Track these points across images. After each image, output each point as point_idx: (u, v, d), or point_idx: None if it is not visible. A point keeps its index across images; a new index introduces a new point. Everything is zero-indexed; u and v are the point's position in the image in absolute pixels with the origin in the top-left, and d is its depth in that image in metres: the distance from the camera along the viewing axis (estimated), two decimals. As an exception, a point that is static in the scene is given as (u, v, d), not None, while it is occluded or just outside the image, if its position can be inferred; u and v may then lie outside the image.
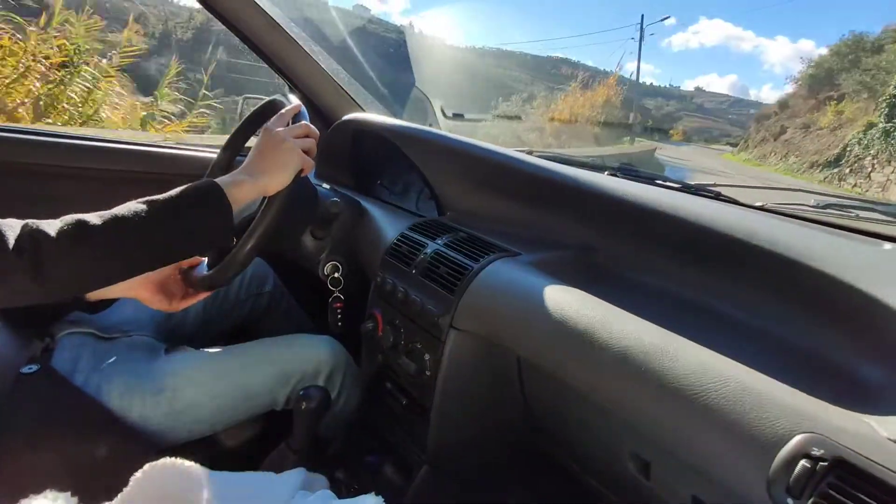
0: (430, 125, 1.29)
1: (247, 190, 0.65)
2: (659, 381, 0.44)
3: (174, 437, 0.74)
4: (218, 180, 0.63)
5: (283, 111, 0.73)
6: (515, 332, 0.62)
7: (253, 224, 0.73)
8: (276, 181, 0.67)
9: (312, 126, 0.72)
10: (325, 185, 1.06)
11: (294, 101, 0.77)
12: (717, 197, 0.77)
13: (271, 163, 0.67)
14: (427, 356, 0.71)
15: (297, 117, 0.72)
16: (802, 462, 0.34)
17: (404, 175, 1.13)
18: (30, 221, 0.54)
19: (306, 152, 0.69)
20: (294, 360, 0.84)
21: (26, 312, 0.76)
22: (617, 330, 0.50)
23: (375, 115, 1.15)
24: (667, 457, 0.49)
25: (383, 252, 0.83)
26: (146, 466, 0.56)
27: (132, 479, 0.55)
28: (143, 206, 0.58)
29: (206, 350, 0.82)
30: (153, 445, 0.72)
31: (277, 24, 1.09)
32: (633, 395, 0.47)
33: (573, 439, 0.69)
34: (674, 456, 0.45)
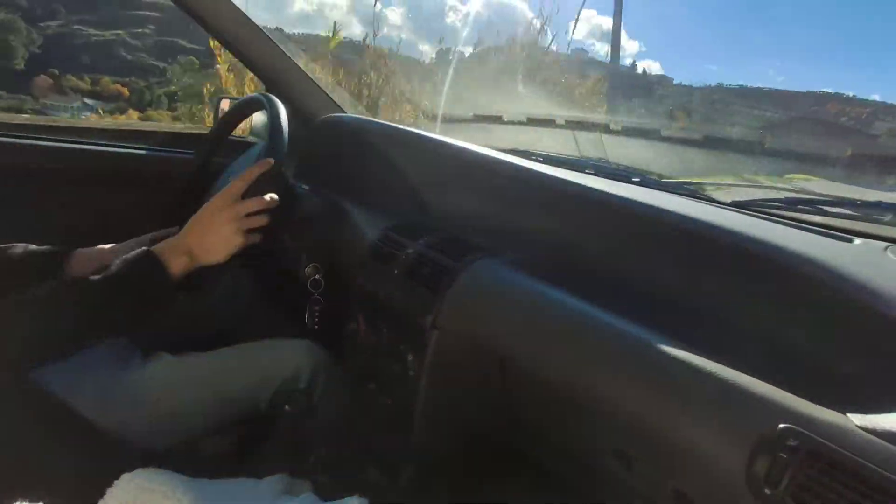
0: (413, 125, 1.29)
1: (181, 265, 0.64)
2: (640, 377, 0.45)
3: (153, 445, 0.72)
4: (156, 251, 0.63)
5: (248, 170, 0.68)
6: (498, 331, 0.62)
7: None
8: (212, 258, 0.65)
9: (272, 196, 0.68)
10: (305, 186, 1.05)
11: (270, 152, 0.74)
12: (694, 194, 0.79)
13: (210, 239, 0.65)
14: (410, 357, 0.71)
15: (261, 179, 0.68)
16: (779, 453, 0.35)
17: (385, 175, 1.12)
18: None
19: (256, 228, 0.67)
20: (273, 365, 0.82)
21: None
22: (598, 327, 0.51)
23: (355, 115, 1.14)
24: (649, 451, 0.50)
25: (365, 253, 0.82)
26: (122, 477, 0.55)
27: (107, 491, 0.54)
28: (86, 288, 0.59)
29: (183, 357, 0.80)
30: (131, 454, 0.70)
31: (253, 23, 1.08)
32: (615, 392, 0.47)
33: (555, 439, 0.69)
34: (655, 449, 0.46)
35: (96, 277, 0.59)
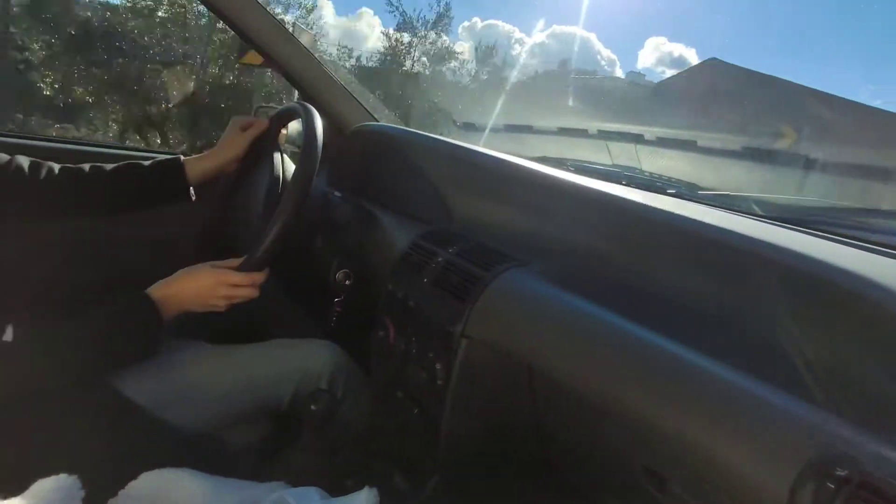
0: (442, 134, 1.30)
1: (170, 313, 0.72)
2: (676, 394, 0.43)
3: (180, 424, 0.75)
4: (153, 297, 0.71)
5: (246, 262, 0.76)
6: (527, 342, 0.62)
7: (265, 233, 0.73)
8: (194, 310, 0.74)
9: (262, 274, 0.76)
10: (337, 193, 1.07)
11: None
12: (732, 207, 0.77)
13: (194, 301, 0.74)
14: (438, 365, 0.71)
15: (252, 256, 0.75)
16: (826, 483, 0.33)
17: (416, 183, 1.14)
18: None
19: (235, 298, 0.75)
20: (295, 361, 0.85)
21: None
22: (631, 341, 0.50)
23: (386, 124, 1.15)
24: (683, 472, 0.48)
25: (395, 260, 0.83)
26: (140, 476, 0.57)
27: (130, 484, 0.56)
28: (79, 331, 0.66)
29: (216, 346, 0.84)
30: (161, 434, 0.72)
31: (291, 34, 1.11)
32: (649, 409, 0.46)
33: (585, 452, 0.68)
34: (690, 471, 0.44)
35: (98, 319, 0.67)
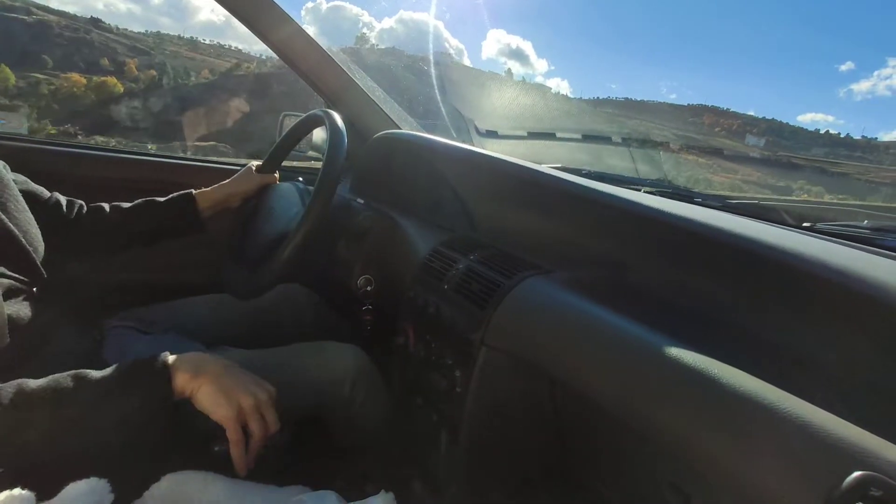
0: (464, 142, 1.31)
1: (181, 391, 0.62)
2: (701, 408, 0.42)
3: (203, 426, 0.75)
4: (167, 361, 0.62)
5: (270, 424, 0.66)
6: (548, 352, 0.61)
7: (291, 235, 0.75)
8: (201, 405, 0.63)
9: (275, 426, 0.67)
10: (359, 200, 1.08)
11: None
12: (761, 216, 0.75)
13: (213, 398, 0.62)
14: (458, 372, 0.70)
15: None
16: (860, 503, 0.32)
17: (437, 190, 1.14)
18: None
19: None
20: (320, 366, 0.86)
21: (80, 305, 0.83)
22: (655, 353, 0.48)
23: (409, 132, 1.16)
24: (708, 489, 0.47)
25: (416, 267, 0.83)
26: (162, 479, 0.58)
27: (151, 486, 0.57)
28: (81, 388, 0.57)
29: (241, 350, 0.86)
30: (184, 435, 0.73)
31: (315, 42, 1.13)
32: (674, 423, 0.45)
33: (607, 465, 0.67)
34: (716, 489, 0.43)
35: (104, 375, 0.59)
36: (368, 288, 0.94)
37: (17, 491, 0.46)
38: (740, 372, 0.44)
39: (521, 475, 0.78)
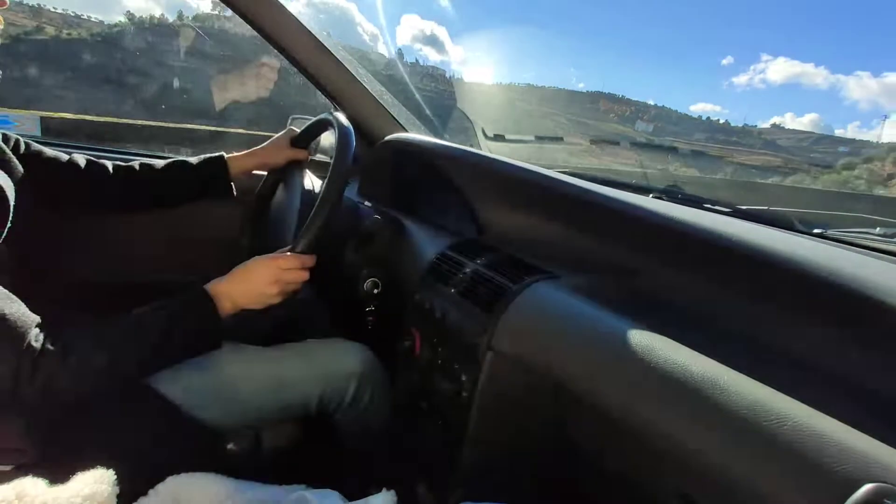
0: (472, 146, 1.31)
1: (227, 309, 0.74)
2: (709, 417, 0.42)
3: (209, 422, 0.76)
4: (212, 293, 0.73)
5: (296, 257, 0.77)
6: (554, 357, 0.61)
7: (298, 236, 0.75)
8: (251, 307, 0.76)
9: (311, 258, 0.78)
10: (367, 203, 1.09)
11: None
12: (772, 223, 0.74)
13: (252, 294, 0.75)
14: (464, 377, 0.70)
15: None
16: (873, 516, 0.32)
17: (444, 194, 1.14)
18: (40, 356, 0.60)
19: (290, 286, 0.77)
20: (329, 361, 0.87)
21: (84, 298, 0.85)
22: (663, 359, 0.48)
23: (417, 135, 1.16)
24: (719, 500, 0.46)
25: (422, 270, 0.83)
26: (167, 480, 0.59)
27: (156, 487, 0.58)
28: (141, 324, 0.68)
29: (251, 346, 0.86)
30: (191, 430, 0.74)
31: (323, 45, 1.14)
32: (682, 431, 0.44)
33: (615, 472, 0.66)
34: (725, 499, 0.42)
35: (161, 312, 0.69)
36: (375, 291, 0.94)
37: (28, 480, 0.47)
38: (750, 380, 0.43)
39: (527, 483, 0.78)
